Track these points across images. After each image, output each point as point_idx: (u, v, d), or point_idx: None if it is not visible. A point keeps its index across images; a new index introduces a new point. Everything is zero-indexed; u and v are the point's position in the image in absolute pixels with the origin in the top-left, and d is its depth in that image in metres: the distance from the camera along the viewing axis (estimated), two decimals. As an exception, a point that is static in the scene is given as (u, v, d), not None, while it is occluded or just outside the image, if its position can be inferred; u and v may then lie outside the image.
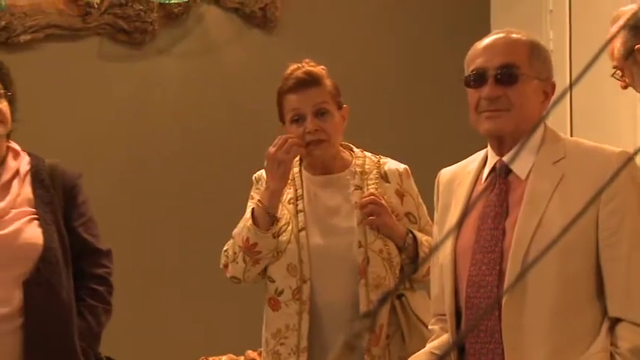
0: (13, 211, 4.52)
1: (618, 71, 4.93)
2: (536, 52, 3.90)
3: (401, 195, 4.71)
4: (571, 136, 5.79)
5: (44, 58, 6.00)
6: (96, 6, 6.66)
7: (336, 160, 4.78)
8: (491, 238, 3.79)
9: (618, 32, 4.75)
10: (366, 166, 4.78)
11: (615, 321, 3.71)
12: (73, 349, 4.58)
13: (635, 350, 3.67)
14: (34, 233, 4.49)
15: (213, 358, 6.18)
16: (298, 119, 4.65)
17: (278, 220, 4.66)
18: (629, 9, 4.98)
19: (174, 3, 6.86)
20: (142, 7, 6.77)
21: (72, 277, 4.61)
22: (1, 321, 4.45)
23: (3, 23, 6.40)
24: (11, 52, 5.81)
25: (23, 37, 6.38)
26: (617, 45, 4.78)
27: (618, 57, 4.75)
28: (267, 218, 4.61)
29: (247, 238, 4.64)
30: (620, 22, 4.81)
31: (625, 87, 5.04)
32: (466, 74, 3.90)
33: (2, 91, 4.55)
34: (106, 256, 4.77)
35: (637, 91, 5.01)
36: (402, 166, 4.82)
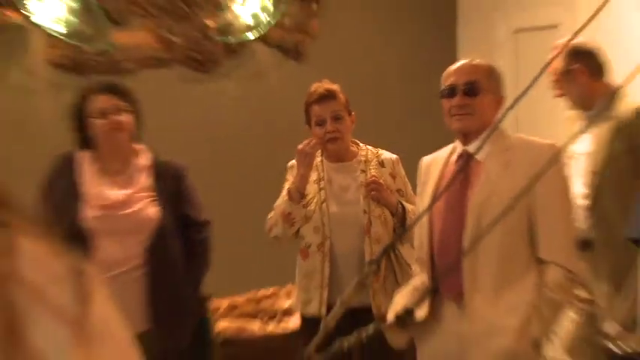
0: (138, 195, 4.67)
1: (557, 84, 5.31)
2: (493, 75, 4.02)
3: (393, 176, 4.82)
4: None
5: (142, 81, 6.00)
6: (178, 42, 6.67)
7: (347, 152, 4.87)
8: (457, 202, 3.90)
9: (556, 57, 5.06)
10: (369, 156, 4.89)
11: (545, 264, 3.79)
12: (180, 291, 4.78)
13: (560, 285, 3.78)
14: (152, 211, 4.64)
15: (264, 289, 6.34)
16: (321, 123, 4.70)
17: (306, 196, 4.74)
18: (566, 40, 5.14)
19: (234, 42, 6.84)
20: (210, 44, 6.78)
21: (181, 241, 4.73)
22: (131, 271, 4.60)
23: (114, 57, 6.42)
24: (120, 77, 5.82)
25: (128, 66, 6.40)
26: (560, 64, 5.15)
27: (558, 74, 5.11)
28: (298, 195, 4.72)
29: (284, 209, 4.76)
30: (557, 50, 4.98)
31: (560, 95, 5.38)
32: (441, 89, 3.98)
33: (125, 107, 4.70)
34: (206, 227, 4.88)
35: (568, 98, 5.38)
36: (394, 156, 4.93)
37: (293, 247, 4.91)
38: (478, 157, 3.83)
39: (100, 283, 0.86)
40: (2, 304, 0.82)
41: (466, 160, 3.87)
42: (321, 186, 4.82)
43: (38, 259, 0.85)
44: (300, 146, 4.65)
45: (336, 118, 4.73)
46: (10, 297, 0.82)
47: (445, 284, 3.84)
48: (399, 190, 4.79)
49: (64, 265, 0.83)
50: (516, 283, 3.78)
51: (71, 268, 0.84)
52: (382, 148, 5.00)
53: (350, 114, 4.80)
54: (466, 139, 3.91)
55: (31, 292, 0.83)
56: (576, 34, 3.02)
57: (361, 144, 4.92)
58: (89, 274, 0.85)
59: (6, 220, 0.82)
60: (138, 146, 4.79)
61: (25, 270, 0.84)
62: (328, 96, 4.73)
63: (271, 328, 6.04)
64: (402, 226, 4.66)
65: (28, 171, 4.69)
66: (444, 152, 4.07)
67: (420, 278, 4.07)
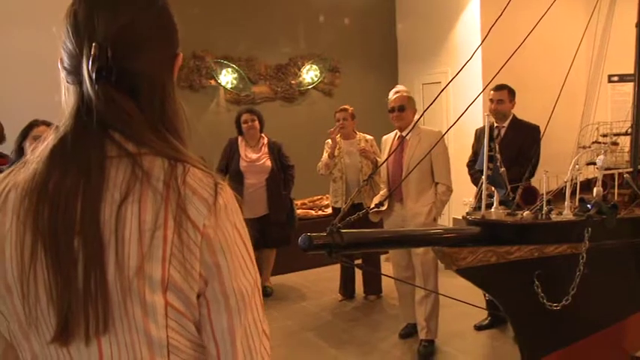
0: (262, 155, 4.63)
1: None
2: (410, 100, 3.73)
3: (370, 146, 4.53)
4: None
5: (263, 107, 5.71)
6: (279, 90, 6.49)
7: (351, 135, 4.55)
8: (398, 158, 3.69)
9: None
10: (360, 137, 4.56)
11: (438, 184, 3.63)
12: (281, 195, 4.66)
13: (444, 192, 3.63)
14: (268, 162, 4.61)
15: (316, 196, 6.12)
16: (339, 120, 4.46)
17: (334, 156, 4.44)
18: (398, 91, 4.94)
19: (303, 89, 6.66)
20: (292, 90, 6.53)
21: (281, 174, 4.65)
22: (260, 187, 4.55)
23: (252, 97, 6.25)
24: (254, 106, 5.66)
25: (258, 101, 6.21)
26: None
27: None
28: (332, 155, 4.44)
29: (325, 162, 4.48)
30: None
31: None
32: (389, 108, 3.71)
33: (257, 119, 4.64)
34: (292, 167, 4.75)
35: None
36: (370, 137, 4.60)
37: (328, 178, 4.63)
38: (407, 137, 3.63)
39: (227, 188, 0.82)
40: (177, 196, 0.76)
41: (401, 139, 3.67)
42: (340, 151, 4.52)
43: (197, 175, 0.79)
44: (329, 130, 4.44)
45: (344, 119, 4.47)
46: (181, 192, 0.76)
47: (394, 194, 3.68)
48: (374, 153, 4.49)
49: (210, 178, 0.78)
50: (426, 193, 3.65)
51: (213, 181, 0.80)
52: (367, 134, 4.65)
53: (353, 118, 4.54)
54: (401, 130, 3.72)
55: (191, 189, 0.77)
56: (444, 89, 2.89)
57: (358, 132, 4.63)
58: (222, 184, 0.81)
59: (187, 160, 0.79)
60: (262, 134, 4.77)
61: (189, 179, 0.78)
62: (346, 110, 4.53)
63: (319, 213, 5.91)
64: (375, 167, 4.41)
65: (218, 148, 4.71)
66: (392, 134, 3.87)
67: (384, 191, 3.86)
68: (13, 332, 0.78)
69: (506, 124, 3.95)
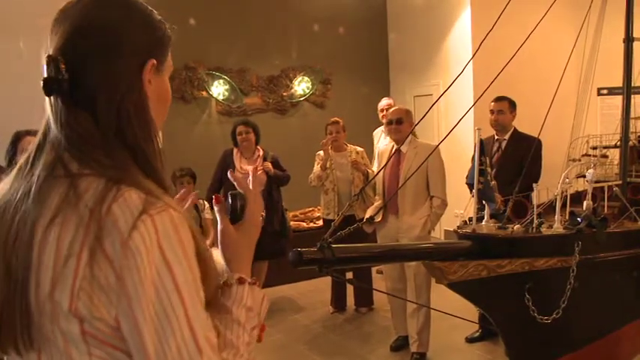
0: (258, 167, 4.61)
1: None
2: (408, 114, 3.80)
3: (361, 158, 4.60)
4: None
5: (256, 119, 5.63)
6: (271, 102, 6.50)
7: (342, 147, 4.60)
8: (395, 170, 3.73)
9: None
10: (351, 149, 4.61)
11: (433, 197, 3.68)
12: (276, 207, 4.64)
13: (438, 206, 3.66)
14: (263, 175, 4.56)
15: (308, 208, 6.17)
16: (331, 133, 4.53)
17: (326, 168, 4.49)
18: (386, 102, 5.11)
19: (294, 101, 6.68)
20: (284, 102, 6.56)
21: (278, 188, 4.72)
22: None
23: (244, 109, 6.29)
24: (247, 117, 5.66)
25: (250, 112, 6.21)
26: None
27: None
28: (324, 167, 4.49)
29: (317, 174, 4.54)
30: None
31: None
32: (386, 121, 3.81)
33: (252, 131, 4.63)
34: (289, 178, 4.73)
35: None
36: (361, 149, 4.67)
37: (319, 190, 4.67)
38: (403, 150, 3.69)
39: (160, 217, 0.69)
40: (97, 226, 0.70)
41: (398, 151, 3.72)
42: (332, 163, 4.55)
43: (126, 201, 0.69)
44: (322, 143, 4.51)
45: (337, 132, 4.56)
46: (102, 222, 0.69)
47: (389, 206, 3.72)
48: (365, 165, 4.55)
49: (139, 204, 0.68)
50: (421, 206, 3.69)
51: (140, 208, 0.68)
52: (357, 146, 4.70)
53: (344, 131, 4.63)
54: (397, 143, 3.74)
55: (112, 219, 0.68)
56: (440, 97, 2.92)
57: (348, 144, 4.67)
58: (148, 214, 0.69)
59: (127, 182, 0.73)
60: (257, 147, 4.78)
61: (115, 207, 0.69)
62: (337, 123, 4.61)
63: (311, 225, 5.91)
64: (366, 179, 4.43)
65: (210, 159, 4.74)
66: (389, 146, 3.92)
67: (378, 202, 3.91)
68: None
69: (507, 136, 3.89)
